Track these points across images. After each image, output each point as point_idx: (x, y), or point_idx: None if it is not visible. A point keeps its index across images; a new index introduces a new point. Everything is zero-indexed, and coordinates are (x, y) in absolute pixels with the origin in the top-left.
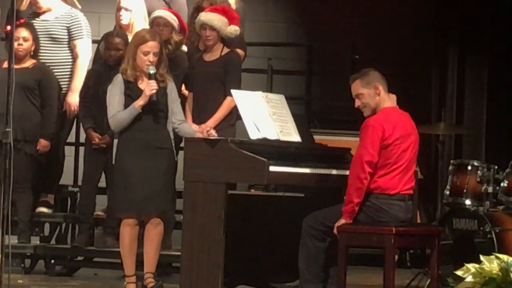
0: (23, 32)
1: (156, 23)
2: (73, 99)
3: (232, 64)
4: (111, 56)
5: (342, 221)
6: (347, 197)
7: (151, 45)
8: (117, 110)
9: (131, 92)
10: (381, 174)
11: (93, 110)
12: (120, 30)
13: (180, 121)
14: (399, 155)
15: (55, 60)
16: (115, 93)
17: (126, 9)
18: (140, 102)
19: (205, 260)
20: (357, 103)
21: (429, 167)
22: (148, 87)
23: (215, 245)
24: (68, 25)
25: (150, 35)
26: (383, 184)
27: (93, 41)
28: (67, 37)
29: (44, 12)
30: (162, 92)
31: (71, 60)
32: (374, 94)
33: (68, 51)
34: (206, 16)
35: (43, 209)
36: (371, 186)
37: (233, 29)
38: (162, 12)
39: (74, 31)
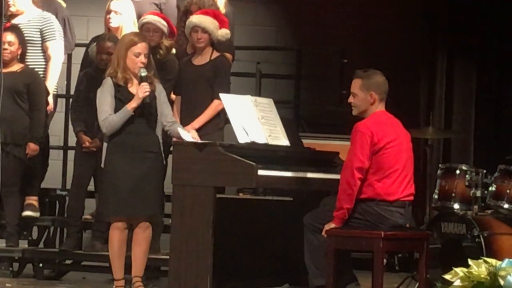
0: (9, 36)
1: (145, 29)
2: (48, 100)
3: (222, 68)
4: (102, 60)
5: (332, 225)
6: (338, 203)
7: (142, 47)
8: (108, 113)
9: (121, 95)
10: (378, 180)
11: (84, 113)
12: (111, 33)
13: (171, 122)
14: (393, 159)
15: (29, 63)
16: (105, 96)
17: (116, 12)
18: (133, 105)
19: (193, 264)
20: (351, 99)
21: (417, 171)
22: (141, 89)
23: (204, 249)
24: (40, 27)
25: (139, 37)
26: (382, 191)
27: (81, 45)
28: (40, 39)
29: (16, 15)
30: (151, 95)
31: (44, 62)
32: (367, 101)
33: (41, 53)
34: (199, 19)
35: (29, 213)
36: (371, 193)
37: (224, 33)
38: (151, 18)
39: (47, 33)
